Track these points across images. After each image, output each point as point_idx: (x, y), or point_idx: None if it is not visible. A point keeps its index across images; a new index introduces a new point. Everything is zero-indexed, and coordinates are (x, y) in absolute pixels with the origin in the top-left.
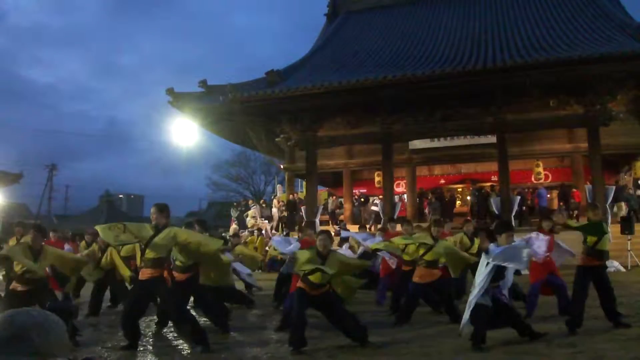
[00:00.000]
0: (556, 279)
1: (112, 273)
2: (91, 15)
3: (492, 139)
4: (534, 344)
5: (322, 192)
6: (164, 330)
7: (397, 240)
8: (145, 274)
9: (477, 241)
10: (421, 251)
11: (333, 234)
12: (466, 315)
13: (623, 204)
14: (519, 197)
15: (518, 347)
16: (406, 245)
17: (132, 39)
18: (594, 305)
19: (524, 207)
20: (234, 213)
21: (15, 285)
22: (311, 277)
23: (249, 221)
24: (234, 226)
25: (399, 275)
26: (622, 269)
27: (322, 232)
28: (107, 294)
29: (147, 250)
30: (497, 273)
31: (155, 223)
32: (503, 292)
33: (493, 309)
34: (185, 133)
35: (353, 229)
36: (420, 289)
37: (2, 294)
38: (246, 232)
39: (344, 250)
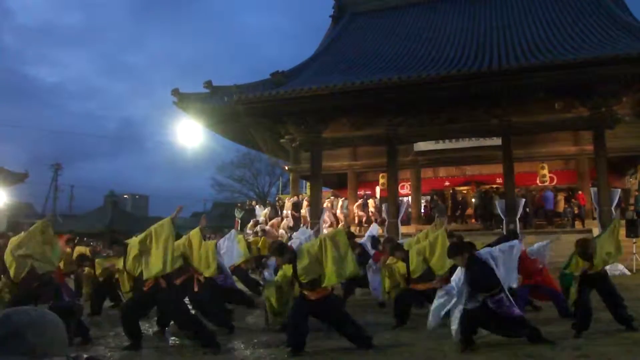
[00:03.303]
0: (549, 289)
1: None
2: (98, 14)
3: (497, 141)
4: (538, 347)
5: (327, 193)
6: (167, 330)
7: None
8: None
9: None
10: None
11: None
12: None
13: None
14: (523, 200)
15: (522, 349)
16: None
17: (140, 38)
18: (598, 308)
19: (528, 210)
20: (237, 214)
21: None
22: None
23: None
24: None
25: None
26: (627, 272)
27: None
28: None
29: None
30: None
31: None
32: (500, 299)
33: (484, 314)
34: (191, 134)
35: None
36: (412, 294)
37: None
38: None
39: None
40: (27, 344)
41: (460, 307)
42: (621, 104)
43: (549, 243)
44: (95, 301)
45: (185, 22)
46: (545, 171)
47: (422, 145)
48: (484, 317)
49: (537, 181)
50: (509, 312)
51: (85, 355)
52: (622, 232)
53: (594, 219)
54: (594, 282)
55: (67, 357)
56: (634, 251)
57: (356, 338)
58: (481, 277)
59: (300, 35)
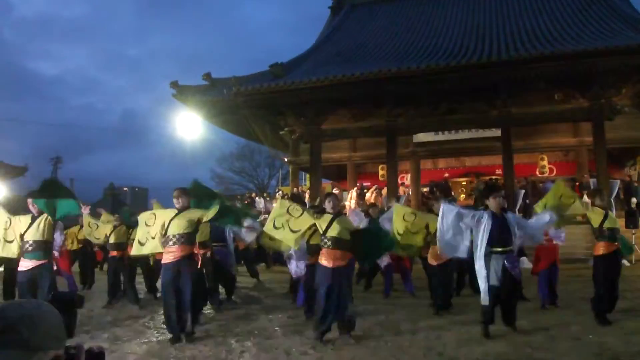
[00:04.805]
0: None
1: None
2: (98, 7)
3: (496, 132)
4: (537, 337)
5: (326, 185)
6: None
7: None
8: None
9: None
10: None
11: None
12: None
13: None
14: (523, 191)
15: (520, 339)
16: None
17: (140, 31)
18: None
19: (527, 201)
20: None
21: None
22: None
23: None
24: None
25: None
26: (627, 263)
27: (329, 194)
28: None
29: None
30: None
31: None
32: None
33: (505, 284)
34: (190, 126)
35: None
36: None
37: None
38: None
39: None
40: (21, 337)
41: (483, 272)
42: (621, 95)
43: (564, 232)
44: (111, 290)
45: (184, 15)
46: (545, 162)
47: (421, 137)
48: (504, 289)
49: (537, 172)
50: (519, 277)
51: (86, 346)
52: (621, 222)
53: None
54: (607, 261)
55: (66, 349)
56: (633, 242)
57: (345, 322)
58: (503, 228)
59: (299, 27)
